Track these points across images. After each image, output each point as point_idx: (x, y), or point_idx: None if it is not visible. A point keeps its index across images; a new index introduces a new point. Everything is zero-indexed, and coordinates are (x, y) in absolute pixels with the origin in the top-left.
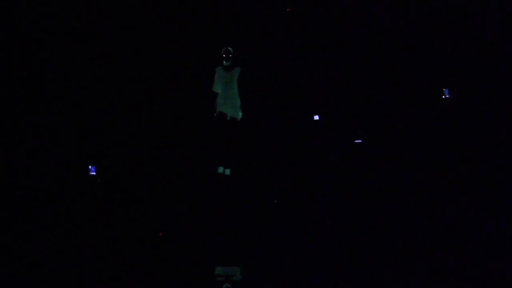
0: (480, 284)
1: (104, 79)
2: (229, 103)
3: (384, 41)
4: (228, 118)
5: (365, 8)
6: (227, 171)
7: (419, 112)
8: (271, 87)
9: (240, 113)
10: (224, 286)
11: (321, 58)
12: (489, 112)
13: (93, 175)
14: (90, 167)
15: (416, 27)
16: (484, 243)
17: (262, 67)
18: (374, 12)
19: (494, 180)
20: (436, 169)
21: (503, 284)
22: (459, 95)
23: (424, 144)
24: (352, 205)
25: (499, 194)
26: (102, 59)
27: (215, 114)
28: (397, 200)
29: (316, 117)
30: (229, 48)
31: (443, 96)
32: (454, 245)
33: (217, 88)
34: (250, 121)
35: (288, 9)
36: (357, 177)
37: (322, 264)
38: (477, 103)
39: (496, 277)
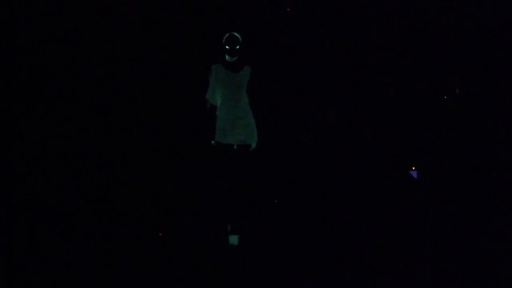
0: (480, 284)
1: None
2: (237, 122)
3: (388, 40)
4: (235, 147)
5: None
6: (234, 239)
7: (420, 112)
8: (300, 95)
9: (256, 139)
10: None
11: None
12: (491, 112)
13: None
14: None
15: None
16: (484, 243)
17: (284, 65)
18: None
19: (494, 180)
20: (437, 169)
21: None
22: (461, 95)
23: (426, 143)
24: (355, 207)
25: (500, 194)
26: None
27: (213, 141)
28: (399, 200)
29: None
30: (236, 35)
31: (445, 96)
32: (454, 245)
33: (213, 97)
34: (272, 150)
35: (288, 9)
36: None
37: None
38: (479, 103)
39: (496, 277)
